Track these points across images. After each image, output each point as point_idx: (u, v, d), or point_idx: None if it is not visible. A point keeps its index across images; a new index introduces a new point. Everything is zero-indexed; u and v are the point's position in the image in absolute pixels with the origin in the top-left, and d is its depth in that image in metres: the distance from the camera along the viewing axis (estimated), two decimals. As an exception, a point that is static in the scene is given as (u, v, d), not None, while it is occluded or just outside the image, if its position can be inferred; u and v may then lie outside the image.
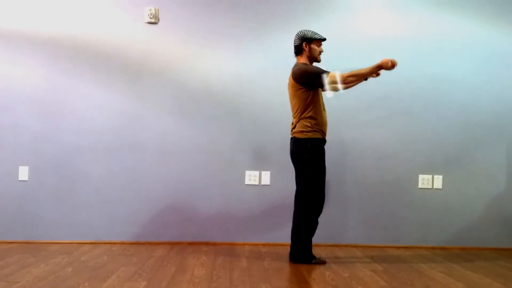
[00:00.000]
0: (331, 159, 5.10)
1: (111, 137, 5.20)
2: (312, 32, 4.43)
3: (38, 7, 5.21)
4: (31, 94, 5.19)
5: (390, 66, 4.09)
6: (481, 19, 5.35)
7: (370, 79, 4.49)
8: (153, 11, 5.19)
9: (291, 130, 4.44)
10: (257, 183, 5.20)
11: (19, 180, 5.17)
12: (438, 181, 5.31)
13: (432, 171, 5.31)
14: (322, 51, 4.45)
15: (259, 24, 5.25)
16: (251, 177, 5.22)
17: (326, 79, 4.18)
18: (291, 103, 4.45)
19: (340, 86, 4.22)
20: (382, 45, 5.26)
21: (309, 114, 4.31)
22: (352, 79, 4.25)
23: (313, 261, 4.33)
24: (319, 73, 4.23)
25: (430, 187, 5.31)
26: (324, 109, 4.43)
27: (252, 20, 5.26)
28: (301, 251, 4.35)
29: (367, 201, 5.26)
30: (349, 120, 5.26)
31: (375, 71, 4.21)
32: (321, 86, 4.29)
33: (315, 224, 4.39)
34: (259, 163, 5.21)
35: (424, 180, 5.30)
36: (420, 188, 5.29)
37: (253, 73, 5.22)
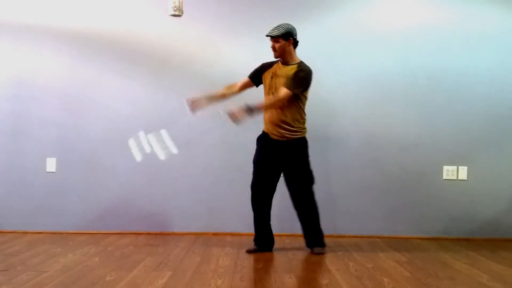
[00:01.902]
0: (352, 152, 5.11)
1: (137, 129, 5.24)
2: (295, 30, 4.47)
3: (63, 1, 5.29)
4: (58, 87, 5.28)
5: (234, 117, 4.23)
6: (507, 9, 5.29)
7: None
8: (177, 4, 5.21)
9: None
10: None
11: (47, 172, 5.27)
12: (463, 172, 5.27)
13: (457, 162, 5.28)
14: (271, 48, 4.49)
15: (282, 16, 5.24)
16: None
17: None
18: None
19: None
20: (407, 37, 5.23)
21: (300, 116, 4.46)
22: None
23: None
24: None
25: (455, 178, 5.27)
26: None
27: (276, 9, 5.25)
28: (321, 235, 4.49)
29: (391, 193, 5.24)
30: (373, 112, 5.24)
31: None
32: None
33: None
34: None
35: (449, 171, 5.27)
36: (445, 179, 5.26)
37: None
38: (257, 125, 4.88)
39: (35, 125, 5.27)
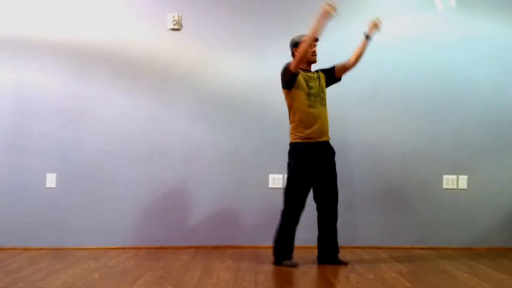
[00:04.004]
0: (352, 161, 5.10)
1: (137, 143, 5.27)
2: (300, 36, 4.42)
3: (62, 16, 5.32)
4: (57, 102, 5.29)
5: (326, 9, 4.10)
6: (507, 19, 5.32)
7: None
8: (177, 18, 5.25)
9: None
10: (280, 186, 5.21)
11: (47, 187, 5.27)
12: (463, 181, 5.28)
13: (457, 171, 5.28)
14: (310, 53, 4.38)
15: (281, 27, 5.27)
16: (275, 180, 5.25)
17: (289, 70, 4.25)
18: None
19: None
20: (406, 45, 5.26)
21: (293, 118, 4.40)
22: (309, 48, 4.24)
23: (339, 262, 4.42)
24: (284, 68, 4.30)
25: (455, 187, 5.28)
26: (311, 111, 4.34)
27: (274, 23, 5.29)
28: (332, 252, 4.44)
29: (391, 202, 5.24)
30: (372, 122, 5.25)
31: (320, 23, 4.14)
32: (290, 80, 4.29)
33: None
34: (282, 167, 5.22)
35: (449, 181, 5.27)
36: (445, 189, 5.26)
37: (275, 77, 5.23)
38: (255, 136, 4.89)
39: (35, 141, 5.28)
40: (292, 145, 4.38)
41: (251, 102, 5.29)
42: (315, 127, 4.32)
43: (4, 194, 5.26)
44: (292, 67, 4.21)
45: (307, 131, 4.31)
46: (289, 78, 4.26)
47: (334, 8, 4.08)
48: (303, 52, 4.15)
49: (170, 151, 5.28)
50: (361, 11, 5.28)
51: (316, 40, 4.39)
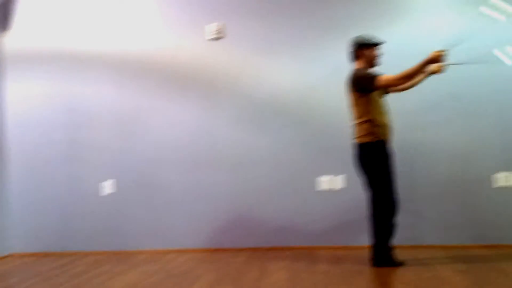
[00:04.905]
0: (402, 161, 5.07)
1: (187, 150, 5.41)
2: (368, 37, 4.45)
3: (110, 30, 5.53)
4: (109, 113, 5.50)
5: (438, 59, 4.07)
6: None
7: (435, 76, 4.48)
8: (220, 27, 5.36)
9: (353, 134, 4.47)
10: (329, 188, 5.24)
11: (104, 194, 5.45)
12: (517, 178, 5.20)
13: (509, 168, 5.20)
14: (377, 56, 4.43)
15: (323, 32, 5.31)
16: (323, 182, 5.28)
17: (376, 83, 4.21)
18: (350, 109, 4.48)
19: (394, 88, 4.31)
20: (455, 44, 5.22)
21: (367, 118, 4.31)
22: (403, 81, 4.21)
23: (393, 264, 4.35)
24: (371, 77, 4.24)
25: (509, 184, 5.20)
26: (384, 112, 4.39)
27: (316, 29, 5.32)
28: (380, 254, 4.36)
29: (444, 201, 5.18)
30: (418, 121, 5.21)
31: (423, 67, 4.12)
32: (373, 90, 4.29)
33: (391, 228, 4.38)
34: (330, 169, 5.26)
35: (501, 178, 5.19)
36: (498, 187, 5.19)
37: (318, 81, 5.29)
38: (301, 139, 4.95)
39: (90, 151, 5.49)
40: (373, 144, 4.33)
41: (297, 105, 5.34)
42: (385, 127, 4.39)
43: (64, 202, 5.49)
44: (381, 84, 4.21)
45: (381, 130, 4.34)
46: (372, 89, 4.29)
47: (442, 66, 4.19)
48: (395, 80, 4.18)
49: (220, 157, 5.39)
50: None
51: (379, 44, 4.44)
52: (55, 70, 5.57)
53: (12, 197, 5.55)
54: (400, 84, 4.26)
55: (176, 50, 5.45)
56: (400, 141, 5.06)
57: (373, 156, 4.33)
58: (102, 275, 4.30)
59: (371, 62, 4.42)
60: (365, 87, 4.29)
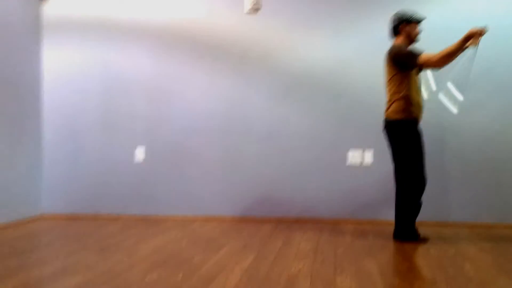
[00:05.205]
0: (432, 138, 5.06)
1: (220, 119, 5.47)
2: (410, 12, 4.42)
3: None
4: (143, 82, 5.58)
5: (477, 35, 3.99)
6: None
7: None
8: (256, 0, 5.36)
9: (386, 110, 4.44)
10: (359, 162, 5.27)
11: (137, 160, 5.57)
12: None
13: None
14: (419, 32, 4.42)
15: (360, 8, 5.28)
16: (354, 157, 5.30)
17: (417, 61, 4.18)
18: (386, 83, 4.45)
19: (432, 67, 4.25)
20: (497, 23, 5.14)
21: (402, 95, 4.30)
22: (444, 60, 4.13)
23: (417, 239, 4.37)
24: (412, 55, 4.22)
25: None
26: (418, 91, 4.39)
27: (353, 4, 5.30)
28: (404, 229, 4.39)
29: (472, 179, 5.16)
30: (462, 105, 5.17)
31: (462, 44, 4.05)
32: (413, 68, 4.29)
33: (417, 204, 4.40)
34: (361, 143, 5.27)
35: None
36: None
37: (354, 56, 5.28)
38: (333, 114, 4.96)
39: (125, 118, 5.60)
40: (405, 122, 4.34)
41: (330, 81, 5.35)
42: (419, 106, 4.38)
43: (98, 167, 5.62)
44: (422, 62, 4.18)
45: (414, 109, 4.34)
46: (412, 67, 4.28)
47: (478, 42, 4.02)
48: (437, 60, 4.11)
49: (251, 128, 5.44)
50: None
51: (421, 20, 4.42)
52: (92, 39, 5.66)
53: (47, 161, 5.71)
54: (442, 64, 4.17)
55: (213, 22, 5.49)
56: (432, 119, 5.04)
57: (405, 134, 4.34)
58: (130, 239, 4.43)
59: (411, 38, 4.41)
60: (406, 64, 4.28)
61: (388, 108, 4.41)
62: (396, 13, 4.45)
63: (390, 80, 4.39)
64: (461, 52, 4.14)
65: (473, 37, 4.01)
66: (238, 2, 5.41)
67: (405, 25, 4.39)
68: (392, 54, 4.33)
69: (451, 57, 4.12)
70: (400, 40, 4.42)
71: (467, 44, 4.06)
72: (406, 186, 4.36)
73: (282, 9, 5.41)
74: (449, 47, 4.07)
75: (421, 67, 4.35)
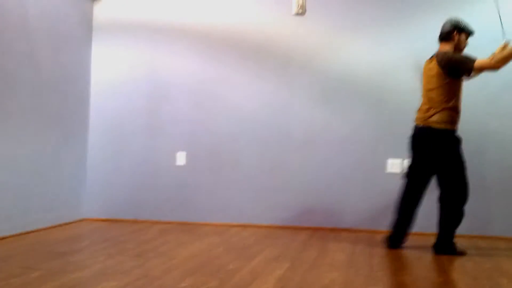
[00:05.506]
0: (472, 150, 4.99)
1: (261, 125, 5.52)
2: (465, 22, 4.38)
3: (193, 2, 5.68)
4: (188, 84, 5.68)
5: None
6: None
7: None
8: (301, 2, 5.37)
9: (426, 119, 4.34)
10: (399, 171, 5.23)
11: (177, 165, 5.65)
12: None
13: None
14: (466, 44, 4.39)
15: (403, 14, 5.27)
16: (394, 165, 5.27)
17: (475, 68, 4.14)
18: (428, 91, 4.36)
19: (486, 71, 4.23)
20: None
21: (451, 105, 4.26)
22: (501, 64, 4.08)
23: (454, 253, 4.33)
24: (468, 60, 4.17)
25: None
26: (461, 100, 4.37)
27: (396, 8, 5.30)
28: (444, 242, 4.35)
29: (510, 192, 5.09)
30: (490, 109, 5.11)
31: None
32: (469, 73, 4.23)
33: (460, 216, 4.35)
34: (401, 152, 5.23)
35: None
36: None
37: (397, 62, 5.27)
38: (375, 121, 4.96)
39: (167, 121, 5.70)
40: (451, 132, 4.32)
41: (372, 87, 5.35)
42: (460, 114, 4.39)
43: (138, 171, 5.73)
44: (478, 67, 4.16)
45: (459, 119, 4.36)
46: (466, 73, 4.26)
47: None
48: (494, 65, 4.09)
49: (292, 134, 5.47)
50: None
51: (472, 34, 4.41)
52: (140, 41, 5.78)
53: (90, 164, 5.83)
54: (498, 68, 4.12)
55: (258, 25, 5.56)
56: (472, 129, 4.98)
57: (452, 144, 4.31)
58: (167, 244, 4.50)
59: (459, 48, 4.37)
60: (461, 70, 4.23)
61: (431, 116, 4.31)
62: (451, 19, 4.40)
63: (438, 88, 4.28)
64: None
65: None
66: (283, 5, 5.46)
67: (457, 33, 4.35)
68: (446, 60, 4.24)
69: (507, 61, 4.07)
70: (448, 47, 4.36)
71: None
72: (453, 197, 4.33)
73: (327, 13, 5.45)
74: (508, 51, 4.01)
75: (473, 72, 4.26)
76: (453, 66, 4.23)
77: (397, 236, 4.51)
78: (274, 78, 5.53)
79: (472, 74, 4.25)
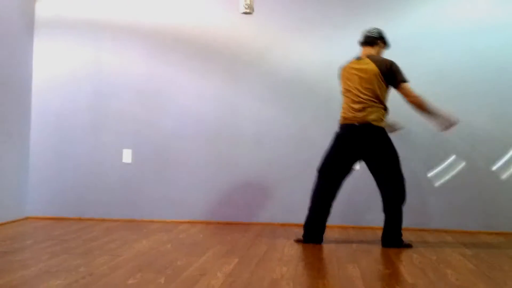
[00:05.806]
0: (422, 147, 5.09)
1: (208, 123, 5.47)
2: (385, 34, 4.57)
3: (139, 0, 5.56)
4: (133, 83, 5.56)
5: (449, 123, 4.40)
6: None
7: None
8: (249, 2, 5.37)
9: (362, 117, 4.39)
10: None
11: (123, 163, 5.55)
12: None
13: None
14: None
15: (351, 10, 5.32)
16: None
17: (405, 86, 4.37)
18: (365, 90, 4.40)
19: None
20: (478, 31, 5.18)
21: (385, 105, 4.45)
22: (416, 103, 4.38)
23: (401, 245, 4.40)
24: (403, 79, 4.38)
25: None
26: None
27: (344, 6, 5.34)
28: (398, 235, 4.43)
29: (457, 187, 5.21)
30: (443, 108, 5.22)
31: (435, 116, 4.39)
32: (397, 85, 4.39)
33: (401, 209, 4.44)
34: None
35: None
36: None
37: (344, 60, 5.30)
38: (323, 120, 4.99)
39: (113, 119, 5.58)
40: (383, 129, 4.44)
41: (320, 85, 5.37)
42: None
43: (83, 169, 5.59)
44: (403, 88, 4.39)
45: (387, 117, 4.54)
46: (399, 82, 4.40)
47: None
48: (414, 98, 4.37)
49: (241, 133, 5.45)
50: None
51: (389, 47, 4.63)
52: (84, 39, 5.63)
53: (33, 162, 5.66)
54: (412, 102, 4.38)
55: (205, 24, 5.51)
56: (417, 128, 5.06)
57: (390, 141, 4.43)
58: (114, 241, 4.41)
59: (379, 55, 4.54)
60: (396, 80, 4.38)
61: (369, 114, 4.38)
62: (378, 28, 4.57)
63: (377, 88, 4.38)
64: (429, 117, 4.43)
65: (447, 121, 4.39)
66: (230, 4, 5.45)
67: (381, 42, 4.55)
68: (389, 66, 4.38)
69: (422, 108, 4.39)
70: (373, 51, 4.53)
71: (439, 122, 4.42)
72: (402, 191, 4.42)
73: (275, 12, 5.44)
74: (428, 105, 4.36)
75: (400, 89, 4.42)
76: (393, 74, 4.38)
77: (313, 230, 4.52)
78: (222, 77, 5.49)
79: (399, 88, 4.40)
